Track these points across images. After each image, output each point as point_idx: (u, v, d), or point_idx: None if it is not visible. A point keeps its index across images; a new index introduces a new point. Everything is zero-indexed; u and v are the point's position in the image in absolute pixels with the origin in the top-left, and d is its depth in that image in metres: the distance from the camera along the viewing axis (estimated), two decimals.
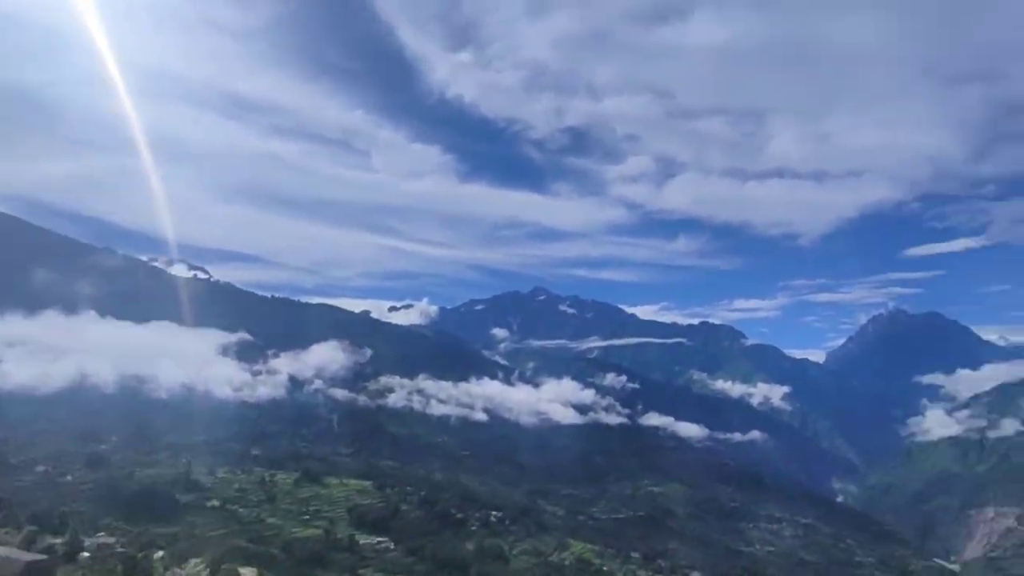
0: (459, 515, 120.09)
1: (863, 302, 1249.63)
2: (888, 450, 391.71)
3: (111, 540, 72.24)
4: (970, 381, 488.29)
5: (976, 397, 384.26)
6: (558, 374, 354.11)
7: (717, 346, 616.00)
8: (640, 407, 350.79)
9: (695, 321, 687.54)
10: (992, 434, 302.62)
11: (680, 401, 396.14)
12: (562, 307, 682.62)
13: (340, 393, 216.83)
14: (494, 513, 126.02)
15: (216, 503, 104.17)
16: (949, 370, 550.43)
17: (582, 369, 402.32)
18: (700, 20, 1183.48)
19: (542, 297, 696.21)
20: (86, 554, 60.21)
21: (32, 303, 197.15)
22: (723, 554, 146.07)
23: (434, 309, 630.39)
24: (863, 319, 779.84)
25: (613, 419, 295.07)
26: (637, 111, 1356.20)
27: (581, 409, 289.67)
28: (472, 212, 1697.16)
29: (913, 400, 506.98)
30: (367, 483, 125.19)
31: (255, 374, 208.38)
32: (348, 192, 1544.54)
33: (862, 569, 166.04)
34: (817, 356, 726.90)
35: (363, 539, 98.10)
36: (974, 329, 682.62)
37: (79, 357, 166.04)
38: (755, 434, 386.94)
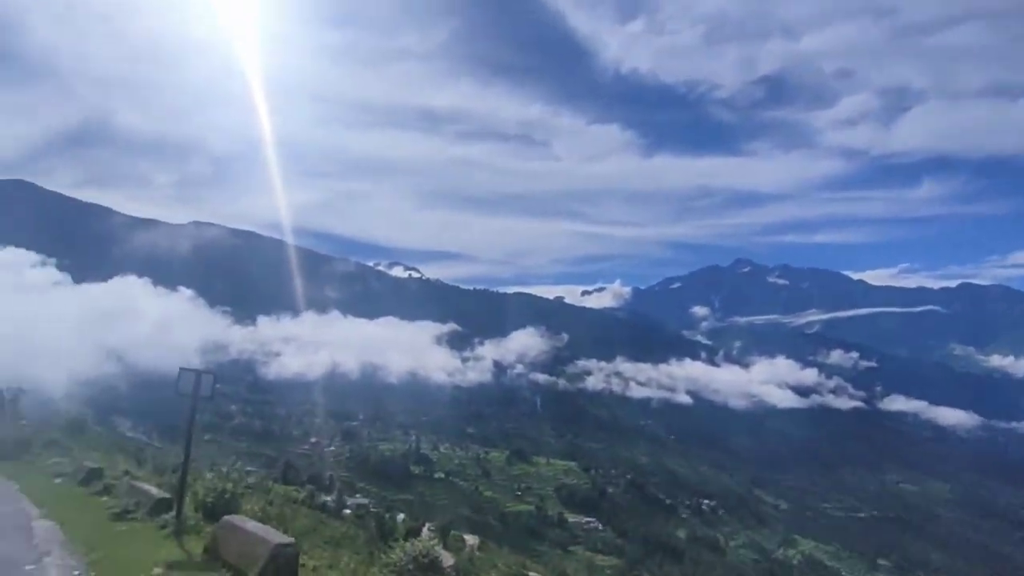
0: (668, 500, 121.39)
1: None
2: None
3: (365, 501, 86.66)
4: None
5: None
6: (770, 352, 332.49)
7: (986, 313, 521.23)
8: (879, 389, 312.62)
9: (952, 283, 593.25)
10: None
11: (936, 382, 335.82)
12: (771, 278, 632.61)
13: (541, 377, 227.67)
14: (706, 501, 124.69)
15: (441, 475, 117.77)
16: None
17: (800, 346, 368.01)
18: None
19: (746, 269, 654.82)
20: (348, 511, 73.30)
21: (296, 307, 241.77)
22: (1013, 573, 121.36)
23: (627, 290, 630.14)
24: None
25: (843, 403, 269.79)
26: (849, 41, 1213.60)
27: (801, 391, 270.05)
28: (659, 186, 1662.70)
29: None
30: (572, 464, 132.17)
31: (464, 360, 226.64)
32: (533, 183, 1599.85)
33: None
34: None
35: (572, 517, 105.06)
36: None
37: (331, 350, 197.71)
38: None
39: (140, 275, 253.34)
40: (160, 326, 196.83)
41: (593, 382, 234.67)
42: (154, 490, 13.61)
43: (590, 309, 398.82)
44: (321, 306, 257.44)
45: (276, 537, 8.83)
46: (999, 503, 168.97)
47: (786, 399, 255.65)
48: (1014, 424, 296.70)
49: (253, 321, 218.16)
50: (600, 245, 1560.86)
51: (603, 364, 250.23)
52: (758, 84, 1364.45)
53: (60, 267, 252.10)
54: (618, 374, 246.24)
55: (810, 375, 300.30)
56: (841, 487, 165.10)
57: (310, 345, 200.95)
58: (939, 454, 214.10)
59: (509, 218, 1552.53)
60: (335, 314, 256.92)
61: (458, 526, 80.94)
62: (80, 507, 13.94)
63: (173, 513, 11.59)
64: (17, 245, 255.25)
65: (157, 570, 8.82)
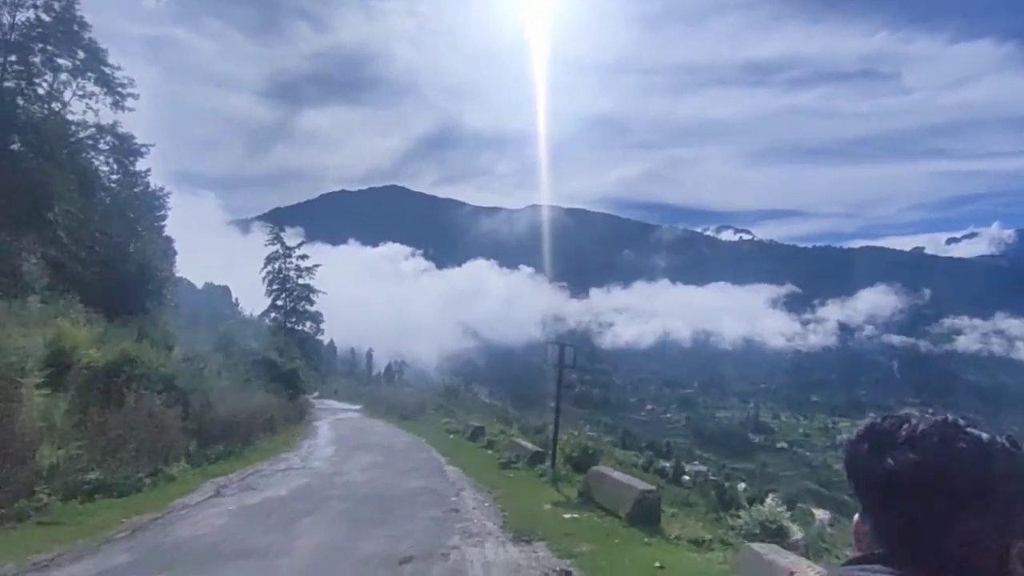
0: None
1: None
2: None
3: (703, 468, 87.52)
4: None
5: None
6: None
7: None
8: None
9: None
10: None
11: None
12: None
13: (896, 339, 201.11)
14: None
15: (783, 445, 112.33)
16: None
17: None
18: None
19: None
20: (687, 477, 74.88)
21: (626, 277, 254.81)
22: None
23: (1009, 233, 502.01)
24: None
25: None
26: None
27: None
28: None
29: None
30: None
31: (804, 323, 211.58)
32: (880, 123, 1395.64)
33: None
34: None
35: None
36: None
37: (662, 318, 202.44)
38: None
39: (487, 258, 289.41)
40: (506, 302, 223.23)
41: (966, 343, 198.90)
42: (529, 445, 16.29)
43: (959, 259, 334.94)
44: (651, 275, 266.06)
45: (641, 484, 10.19)
46: None
47: None
48: None
49: (587, 293, 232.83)
50: (968, 184, 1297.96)
51: (978, 321, 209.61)
52: None
53: (426, 256, 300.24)
54: (1000, 332, 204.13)
55: None
56: None
57: (642, 314, 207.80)
58: None
59: (852, 166, 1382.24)
60: (664, 282, 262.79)
61: (805, 499, 76.97)
62: (474, 457, 17.24)
63: (548, 464, 13.92)
64: (393, 240, 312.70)
65: (546, 506, 10.75)
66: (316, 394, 43.24)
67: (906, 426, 0.95)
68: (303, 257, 43.76)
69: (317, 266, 44.29)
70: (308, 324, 44.22)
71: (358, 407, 38.15)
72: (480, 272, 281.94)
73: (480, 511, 10.37)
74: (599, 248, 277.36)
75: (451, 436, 22.37)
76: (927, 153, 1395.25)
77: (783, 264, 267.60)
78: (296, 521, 9.35)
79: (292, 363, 29.17)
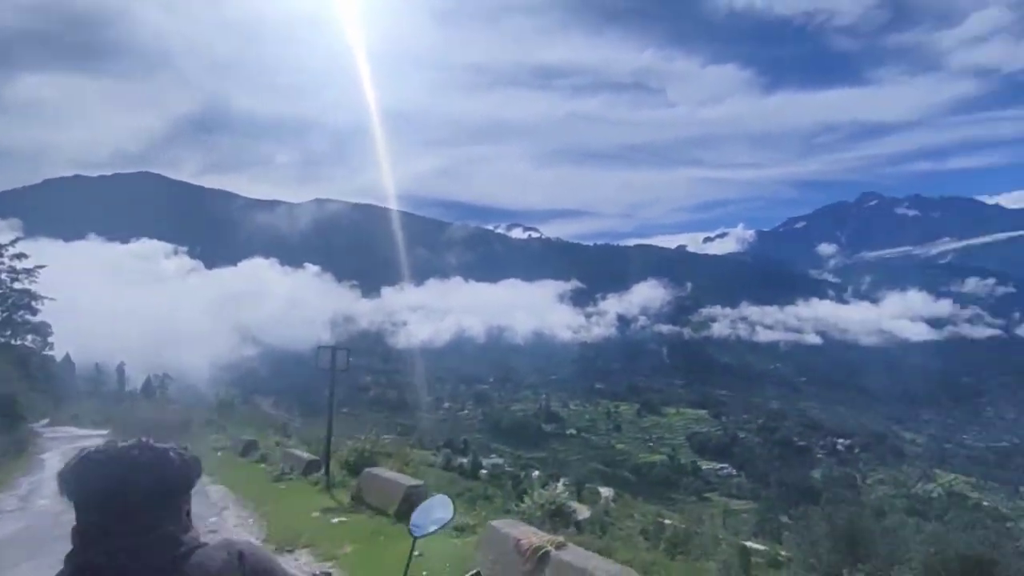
0: (802, 443, 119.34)
1: None
2: None
3: (500, 461, 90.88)
4: None
5: None
6: (902, 286, 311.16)
7: None
8: (1017, 315, 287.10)
9: None
10: None
11: None
12: (900, 210, 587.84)
13: (665, 328, 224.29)
14: (841, 441, 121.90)
15: (573, 431, 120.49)
16: None
17: (933, 277, 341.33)
18: None
19: (873, 202, 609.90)
20: (484, 471, 77.21)
21: (419, 275, 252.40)
22: None
23: (750, 234, 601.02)
24: None
25: (980, 332, 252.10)
26: None
27: (935, 323, 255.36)
28: (780, 125, 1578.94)
29: None
30: (703, 412, 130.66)
31: (588, 316, 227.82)
32: (650, 133, 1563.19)
33: None
34: None
35: (705, 465, 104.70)
36: None
37: (456, 315, 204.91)
38: None
39: (267, 256, 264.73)
40: (290, 304, 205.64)
41: (719, 329, 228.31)
42: (304, 455, 15.67)
43: (713, 256, 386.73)
44: (443, 273, 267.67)
45: (408, 481, 10.58)
46: None
47: (920, 332, 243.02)
48: None
49: (379, 292, 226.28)
50: (721, 190, 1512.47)
51: (728, 310, 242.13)
52: (881, 8, 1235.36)
53: (192, 254, 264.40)
54: (744, 319, 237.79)
55: (944, 306, 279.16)
56: (980, 419, 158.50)
57: (436, 312, 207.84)
58: None
59: (628, 170, 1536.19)
60: (457, 280, 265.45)
61: (592, 480, 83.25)
62: (244, 473, 16.14)
63: (322, 472, 13.51)
64: (149, 236, 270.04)
65: (315, 514, 10.57)
66: (46, 421, 36.82)
67: (87, 454, 1.42)
68: (19, 256, 37.43)
69: (40, 267, 38.01)
70: (30, 337, 38.35)
71: (104, 432, 33.46)
72: (258, 271, 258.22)
73: (243, 528, 9.91)
74: (391, 245, 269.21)
75: (219, 453, 20.53)
76: (687, 162, 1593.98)
77: (569, 261, 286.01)
78: (7, 572, 8.08)
79: (7, 386, 24.95)
